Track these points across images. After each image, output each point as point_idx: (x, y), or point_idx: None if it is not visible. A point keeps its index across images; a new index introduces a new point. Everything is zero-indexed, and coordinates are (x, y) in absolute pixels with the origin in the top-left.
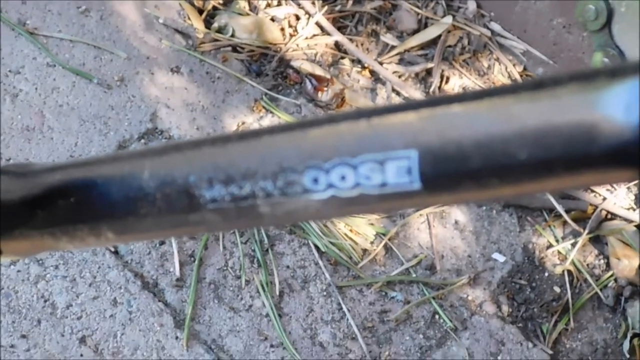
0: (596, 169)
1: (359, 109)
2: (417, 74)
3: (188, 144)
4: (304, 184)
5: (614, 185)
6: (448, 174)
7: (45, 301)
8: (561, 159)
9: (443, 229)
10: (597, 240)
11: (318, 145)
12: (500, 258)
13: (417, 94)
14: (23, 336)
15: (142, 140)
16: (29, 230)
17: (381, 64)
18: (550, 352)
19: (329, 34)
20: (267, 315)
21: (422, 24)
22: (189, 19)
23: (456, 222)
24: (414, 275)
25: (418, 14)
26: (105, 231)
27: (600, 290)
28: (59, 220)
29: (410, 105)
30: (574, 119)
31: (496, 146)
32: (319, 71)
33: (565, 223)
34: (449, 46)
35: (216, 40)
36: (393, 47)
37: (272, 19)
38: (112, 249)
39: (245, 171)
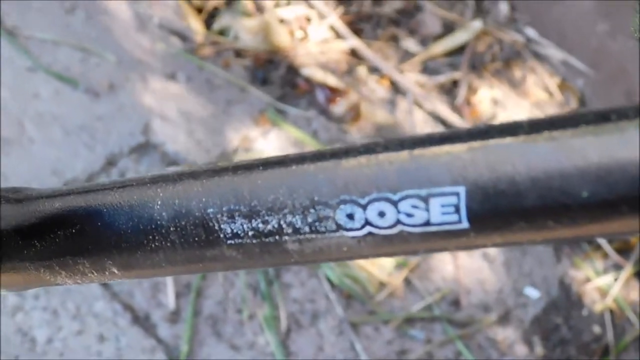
0: None
1: (400, 137)
2: (442, 85)
3: (206, 171)
4: (338, 220)
5: None
6: (499, 214)
7: (24, 335)
8: (626, 198)
9: (470, 260)
10: None
11: (354, 177)
12: (534, 293)
13: (441, 106)
14: None
15: (133, 155)
16: (24, 262)
17: (402, 72)
18: None
19: (343, 38)
20: (272, 354)
21: (448, 29)
22: (186, 19)
23: (484, 252)
24: (436, 311)
25: (443, 17)
26: (110, 266)
27: None
28: (57, 252)
29: (457, 135)
30: None
31: (554, 183)
32: (331, 80)
33: (606, 255)
34: (478, 54)
35: (217, 43)
36: (415, 54)
37: (281, 21)
38: None
39: (271, 204)
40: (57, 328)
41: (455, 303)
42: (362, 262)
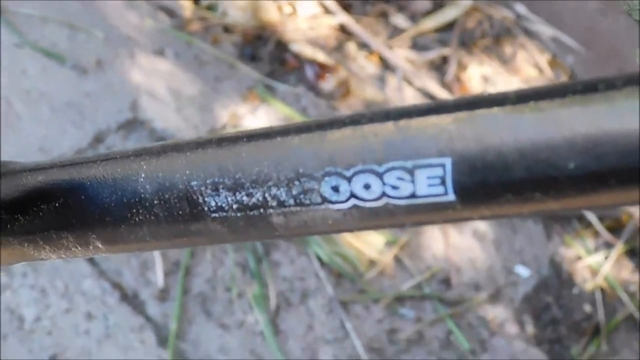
0: None
1: (386, 109)
2: (431, 61)
3: (190, 144)
4: (323, 192)
5: None
6: (486, 186)
7: (12, 313)
8: (614, 170)
9: (460, 238)
10: (633, 253)
11: (339, 149)
12: (524, 272)
13: (430, 82)
14: None
15: (121, 132)
16: (7, 237)
17: (391, 48)
18: None
19: (332, 14)
20: (261, 332)
21: (438, 5)
22: None
23: (475, 230)
24: (427, 290)
25: None
26: (94, 240)
27: (637, 309)
28: (41, 227)
29: (444, 107)
30: (630, 127)
31: (541, 155)
32: (320, 56)
33: (597, 233)
34: (468, 30)
35: (205, 19)
36: (404, 30)
37: None
38: None
39: (255, 176)
40: (45, 306)
41: (446, 281)
42: (352, 240)
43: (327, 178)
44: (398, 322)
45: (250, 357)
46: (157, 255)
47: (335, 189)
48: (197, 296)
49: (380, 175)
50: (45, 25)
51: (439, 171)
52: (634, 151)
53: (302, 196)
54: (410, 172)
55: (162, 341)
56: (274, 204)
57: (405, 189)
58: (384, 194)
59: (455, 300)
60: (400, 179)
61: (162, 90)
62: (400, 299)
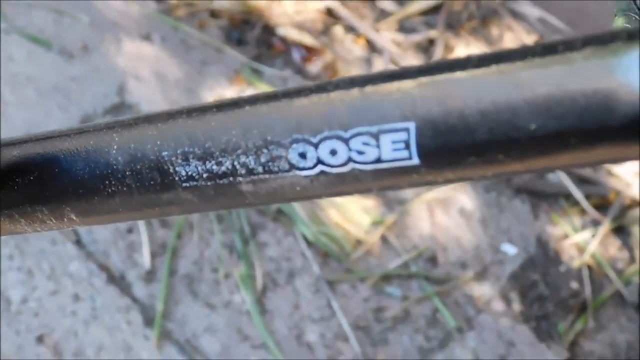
0: (613, 142)
1: (352, 76)
2: (418, 43)
3: (161, 115)
4: (290, 159)
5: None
6: (449, 148)
7: None
8: (575, 130)
9: (446, 217)
10: (620, 231)
11: (306, 116)
12: (511, 250)
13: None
14: None
15: (108, 116)
16: None
17: (378, 31)
18: (567, 354)
19: None
20: (248, 312)
21: None
22: None
23: (461, 209)
24: (413, 268)
25: None
26: (68, 212)
27: (624, 286)
28: (16, 200)
29: (408, 72)
30: (589, 87)
31: (503, 116)
32: (307, 39)
33: (584, 211)
34: (455, 12)
35: (192, 4)
36: (391, 13)
37: None
38: (74, 238)
39: (224, 145)
40: (31, 288)
41: (432, 260)
42: (338, 220)
43: (294, 145)
44: (385, 301)
45: (236, 337)
46: (144, 237)
47: (303, 155)
48: (183, 277)
49: (346, 141)
50: (32, 10)
51: (403, 135)
52: (593, 111)
53: (270, 163)
54: (375, 137)
55: (149, 321)
56: (243, 172)
57: (371, 153)
58: (349, 160)
59: (442, 278)
60: (365, 144)
61: (148, 74)
62: (386, 278)
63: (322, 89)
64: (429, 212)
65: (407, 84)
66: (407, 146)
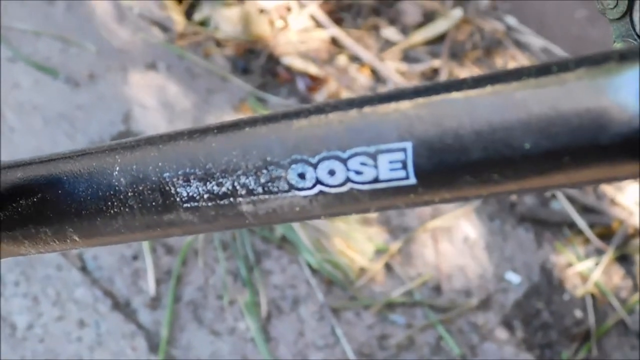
0: (606, 161)
1: (349, 97)
2: (422, 73)
3: (162, 136)
4: (290, 179)
5: None
6: (445, 168)
7: (4, 321)
8: (568, 149)
9: (450, 246)
10: (624, 259)
11: (304, 137)
12: (515, 278)
13: None
14: None
15: None
16: None
17: (382, 61)
18: None
19: (324, 27)
20: (253, 339)
21: (429, 17)
22: (167, 9)
23: (465, 237)
24: (417, 296)
25: (424, 5)
26: (71, 234)
27: (627, 315)
28: (20, 222)
29: (405, 93)
30: (582, 106)
31: (498, 136)
32: (312, 68)
33: (587, 240)
34: (459, 42)
35: (198, 33)
36: (395, 43)
37: (261, 11)
38: (80, 264)
39: (225, 166)
40: (37, 314)
41: (436, 288)
42: (343, 248)
43: (293, 165)
44: (389, 328)
45: None
46: (148, 263)
47: (302, 175)
48: (188, 304)
49: (344, 161)
50: (38, 39)
51: (400, 155)
52: (586, 130)
53: (270, 184)
54: (373, 157)
55: (154, 348)
56: (243, 192)
57: (369, 173)
58: (348, 180)
59: (446, 306)
60: (363, 164)
61: (154, 102)
62: (390, 306)
63: (320, 110)
64: (433, 240)
65: (404, 105)
66: (405, 166)
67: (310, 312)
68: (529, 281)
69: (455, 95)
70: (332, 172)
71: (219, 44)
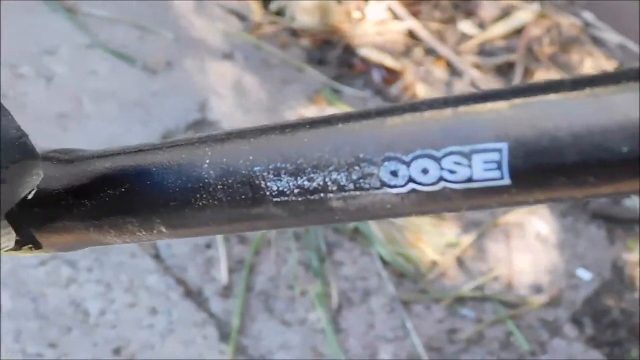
0: None
1: (445, 96)
2: (498, 67)
3: (253, 130)
4: (382, 176)
5: None
6: (540, 170)
7: (77, 307)
8: None
9: (522, 241)
10: None
11: (398, 135)
12: (586, 275)
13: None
14: (51, 345)
15: (189, 132)
16: (73, 221)
17: (458, 54)
18: None
19: (400, 19)
20: (323, 330)
21: (506, 12)
22: None
23: (537, 233)
24: (488, 291)
25: (501, 0)
26: (159, 225)
27: None
28: (107, 211)
29: (501, 93)
30: None
31: (595, 139)
32: (388, 60)
33: None
34: (535, 37)
35: (274, 23)
36: (472, 37)
37: (338, 1)
38: (153, 252)
39: (316, 162)
40: (109, 300)
41: (507, 283)
42: (414, 241)
43: (386, 163)
44: (458, 322)
45: (311, 354)
46: (221, 252)
47: (394, 173)
48: (259, 293)
49: (438, 160)
50: (116, 26)
51: (495, 156)
52: None
53: (361, 180)
54: (468, 156)
55: (224, 337)
56: (334, 188)
57: (462, 173)
58: (441, 178)
59: (516, 302)
60: (457, 163)
61: (229, 91)
62: (461, 300)
63: (415, 108)
64: (504, 236)
65: (501, 105)
66: (499, 166)
67: (380, 305)
68: (599, 278)
69: (552, 96)
70: (425, 171)
71: (295, 34)
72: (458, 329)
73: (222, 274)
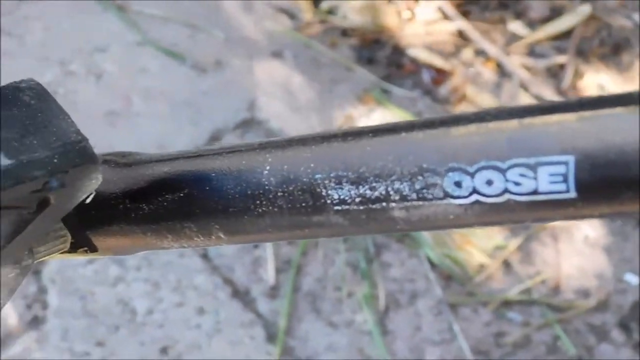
0: None
1: (510, 107)
2: (548, 68)
3: (315, 137)
4: (445, 187)
5: None
6: (607, 183)
7: (125, 306)
8: None
9: (570, 245)
10: None
11: (463, 145)
12: (634, 279)
13: (547, 90)
14: (99, 343)
15: (238, 131)
16: (130, 225)
17: (508, 55)
18: None
19: (450, 19)
20: (369, 332)
21: (556, 12)
22: None
23: (586, 237)
24: (535, 295)
25: (551, 0)
26: (217, 230)
27: None
28: (165, 216)
29: (567, 105)
30: None
31: None
32: (437, 61)
33: None
34: (586, 38)
35: (324, 22)
36: (522, 37)
37: (388, 1)
38: (201, 252)
39: (379, 171)
40: (157, 300)
41: (554, 287)
42: (462, 243)
43: (450, 173)
44: (505, 326)
45: (357, 356)
46: (269, 253)
47: (458, 184)
48: (307, 294)
49: (503, 172)
50: (167, 25)
51: (561, 168)
52: None
53: (424, 191)
54: (533, 168)
55: (271, 337)
56: (397, 197)
57: (528, 185)
58: (506, 190)
59: (564, 306)
60: (522, 175)
61: (279, 91)
62: (508, 303)
63: (480, 118)
64: (552, 239)
65: (568, 117)
66: (565, 179)
67: (427, 307)
68: None
69: (620, 110)
70: (489, 182)
71: (344, 33)
72: (505, 332)
73: (269, 274)
